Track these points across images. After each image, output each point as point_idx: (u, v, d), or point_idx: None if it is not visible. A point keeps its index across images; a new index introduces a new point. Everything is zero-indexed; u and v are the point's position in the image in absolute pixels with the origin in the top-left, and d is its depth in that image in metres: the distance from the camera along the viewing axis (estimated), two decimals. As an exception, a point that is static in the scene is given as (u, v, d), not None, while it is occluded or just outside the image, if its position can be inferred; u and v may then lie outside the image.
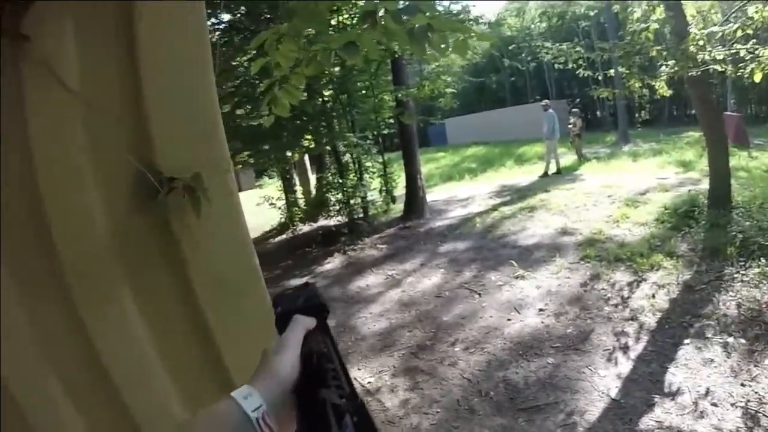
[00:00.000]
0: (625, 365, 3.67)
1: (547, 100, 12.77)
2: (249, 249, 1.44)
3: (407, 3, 1.65)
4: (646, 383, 3.39)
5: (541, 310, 4.76)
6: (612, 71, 8.49)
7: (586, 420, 3.12)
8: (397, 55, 8.62)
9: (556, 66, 8.59)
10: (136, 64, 1.28)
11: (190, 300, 1.37)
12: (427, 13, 1.64)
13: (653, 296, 4.62)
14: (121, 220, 1.31)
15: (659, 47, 6.25)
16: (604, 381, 3.51)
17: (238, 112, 8.63)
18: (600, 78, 8.39)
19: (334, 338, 0.67)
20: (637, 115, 28.69)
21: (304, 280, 5.13)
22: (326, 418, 0.44)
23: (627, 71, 6.61)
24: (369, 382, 4.05)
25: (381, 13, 1.67)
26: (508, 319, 4.68)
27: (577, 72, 7.73)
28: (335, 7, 6.80)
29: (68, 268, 1.28)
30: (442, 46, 1.67)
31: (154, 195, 1.26)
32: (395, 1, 1.64)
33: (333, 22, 7.26)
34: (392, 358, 4.41)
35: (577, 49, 7.60)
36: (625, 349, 3.88)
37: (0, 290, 1.24)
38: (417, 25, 1.60)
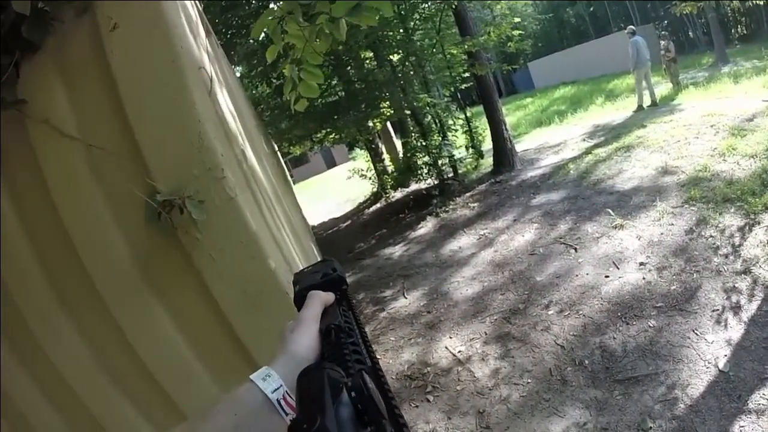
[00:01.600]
0: (735, 329, 3.22)
1: (631, 26, 11.29)
2: (260, 250, 1.44)
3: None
4: (760, 352, 2.96)
5: (641, 264, 4.32)
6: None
7: (688, 395, 2.81)
8: (455, 5, 8.10)
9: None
10: (117, 97, 1.33)
11: (213, 306, 1.43)
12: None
13: (768, 244, 3.97)
14: (139, 242, 1.40)
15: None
16: (711, 348, 3.12)
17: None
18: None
19: (356, 310, 0.66)
20: (733, 30, 24.59)
21: (398, 248, 5.19)
22: (321, 394, 0.42)
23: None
24: (460, 351, 4.02)
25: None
26: (606, 276, 4.32)
27: None
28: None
29: (101, 287, 1.40)
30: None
31: (158, 216, 1.32)
32: None
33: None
34: (484, 324, 4.32)
35: None
36: (736, 309, 3.40)
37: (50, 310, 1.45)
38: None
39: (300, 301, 0.66)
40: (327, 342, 0.58)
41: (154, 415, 1.49)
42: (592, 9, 31.42)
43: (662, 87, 12.44)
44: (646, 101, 10.66)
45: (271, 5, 7.24)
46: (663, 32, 14.91)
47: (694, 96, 10.47)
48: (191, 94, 1.35)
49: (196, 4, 1.84)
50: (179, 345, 1.47)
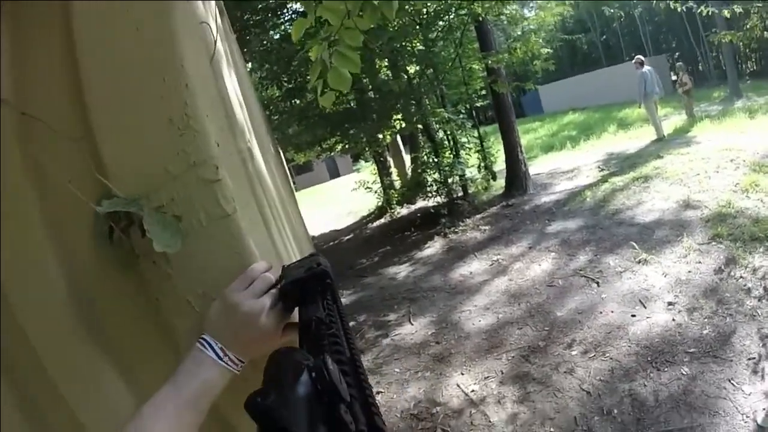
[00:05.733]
0: (775, 380, 2.93)
1: (640, 56, 10.91)
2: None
3: None
4: (802, 406, 2.65)
5: (670, 303, 3.98)
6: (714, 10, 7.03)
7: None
8: (480, 18, 7.88)
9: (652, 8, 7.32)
10: (75, 63, 0.86)
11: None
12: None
13: (804, 287, 3.67)
14: (80, 267, 0.91)
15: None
16: (748, 401, 2.81)
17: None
18: (710, 13, 6.97)
19: (341, 304, 0.69)
20: (742, 65, 24.70)
21: (403, 267, 4.83)
22: (285, 374, 0.46)
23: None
24: (473, 390, 3.64)
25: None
26: (633, 315, 3.96)
27: (677, 8, 6.42)
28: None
29: (34, 338, 0.89)
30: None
31: (110, 235, 0.87)
32: None
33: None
34: (500, 361, 3.94)
35: None
36: (774, 358, 3.11)
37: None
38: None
39: (288, 293, 0.70)
40: (307, 333, 0.59)
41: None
42: (604, 38, 31.53)
43: (676, 118, 12.27)
44: (662, 132, 10.40)
45: None
46: (679, 63, 14.78)
47: (710, 129, 10.33)
48: (179, 44, 0.88)
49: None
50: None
